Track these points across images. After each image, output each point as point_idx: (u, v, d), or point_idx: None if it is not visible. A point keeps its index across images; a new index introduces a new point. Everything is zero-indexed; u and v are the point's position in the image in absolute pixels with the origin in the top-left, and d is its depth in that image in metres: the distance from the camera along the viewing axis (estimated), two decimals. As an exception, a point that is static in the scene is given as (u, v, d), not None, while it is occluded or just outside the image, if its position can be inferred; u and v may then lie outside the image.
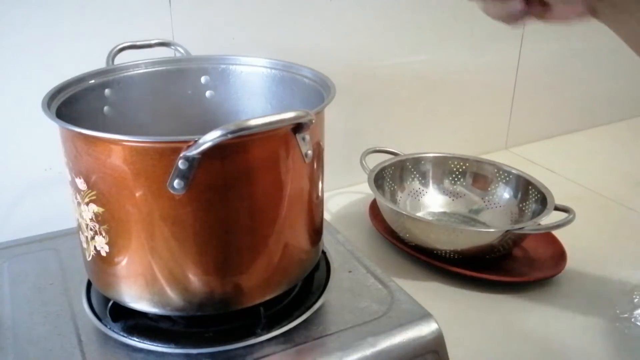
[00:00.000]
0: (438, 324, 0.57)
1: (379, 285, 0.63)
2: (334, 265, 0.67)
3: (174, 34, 0.76)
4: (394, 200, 0.88)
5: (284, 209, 0.53)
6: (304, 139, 0.52)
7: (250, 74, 0.68)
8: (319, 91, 0.61)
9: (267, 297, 0.56)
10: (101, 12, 0.71)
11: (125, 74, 0.65)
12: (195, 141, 0.45)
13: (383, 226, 0.82)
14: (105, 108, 0.64)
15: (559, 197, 0.77)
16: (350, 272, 0.66)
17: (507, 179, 0.87)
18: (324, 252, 0.68)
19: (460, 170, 0.90)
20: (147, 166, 0.47)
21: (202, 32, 0.79)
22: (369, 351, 0.54)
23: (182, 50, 0.69)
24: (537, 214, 0.77)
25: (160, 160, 0.47)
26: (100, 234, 0.52)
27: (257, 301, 0.55)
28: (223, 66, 0.68)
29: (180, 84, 0.68)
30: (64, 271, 0.66)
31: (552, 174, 1.06)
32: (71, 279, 0.64)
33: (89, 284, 0.63)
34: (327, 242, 0.71)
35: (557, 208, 0.75)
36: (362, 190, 0.96)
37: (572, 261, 0.76)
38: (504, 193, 0.87)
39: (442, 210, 0.89)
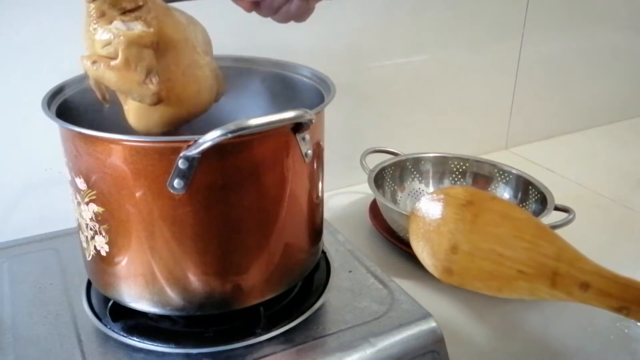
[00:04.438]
0: (438, 324, 0.57)
1: (379, 285, 0.63)
2: (334, 265, 0.67)
3: (174, 34, 0.76)
4: (394, 200, 0.88)
5: (284, 208, 0.53)
6: (304, 138, 0.52)
7: (251, 74, 0.68)
8: (319, 91, 0.61)
9: (267, 297, 0.56)
10: (101, 12, 0.71)
11: (125, 73, 0.65)
12: (195, 141, 0.45)
13: (383, 226, 0.82)
14: (105, 108, 0.64)
15: (559, 197, 0.77)
16: (350, 272, 0.66)
17: (507, 179, 0.87)
18: (324, 252, 0.68)
19: (460, 170, 0.90)
20: (147, 166, 0.47)
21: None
22: (369, 351, 0.54)
23: (182, 50, 0.69)
24: (537, 214, 0.77)
25: (160, 160, 0.47)
26: (100, 233, 0.52)
27: (257, 301, 0.55)
28: (223, 66, 0.68)
29: (180, 84, 0.68)
30: (64, 271, 0.66)
31: (552, 174, 1.06)
32: (71, 279, 0.64)
33: (89, 284, 0.63)
34: (327, 242, 0.71)
35: (557, 208, 0.75)
36: (362, 190, 0.96)
37: (572, 261, 0.75)
38: (504, 193, 0.87)
39: (442, 210, 0.89)
